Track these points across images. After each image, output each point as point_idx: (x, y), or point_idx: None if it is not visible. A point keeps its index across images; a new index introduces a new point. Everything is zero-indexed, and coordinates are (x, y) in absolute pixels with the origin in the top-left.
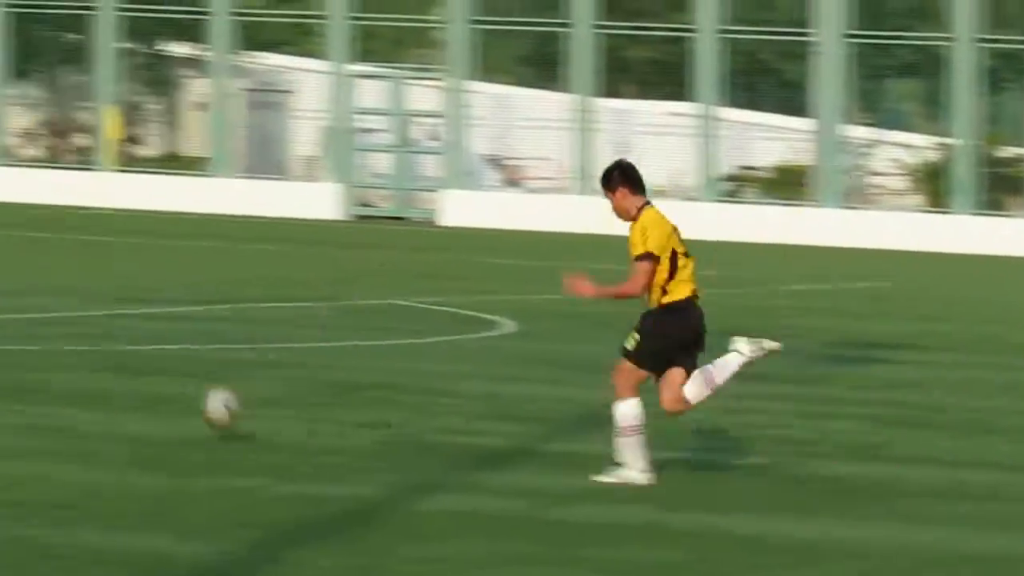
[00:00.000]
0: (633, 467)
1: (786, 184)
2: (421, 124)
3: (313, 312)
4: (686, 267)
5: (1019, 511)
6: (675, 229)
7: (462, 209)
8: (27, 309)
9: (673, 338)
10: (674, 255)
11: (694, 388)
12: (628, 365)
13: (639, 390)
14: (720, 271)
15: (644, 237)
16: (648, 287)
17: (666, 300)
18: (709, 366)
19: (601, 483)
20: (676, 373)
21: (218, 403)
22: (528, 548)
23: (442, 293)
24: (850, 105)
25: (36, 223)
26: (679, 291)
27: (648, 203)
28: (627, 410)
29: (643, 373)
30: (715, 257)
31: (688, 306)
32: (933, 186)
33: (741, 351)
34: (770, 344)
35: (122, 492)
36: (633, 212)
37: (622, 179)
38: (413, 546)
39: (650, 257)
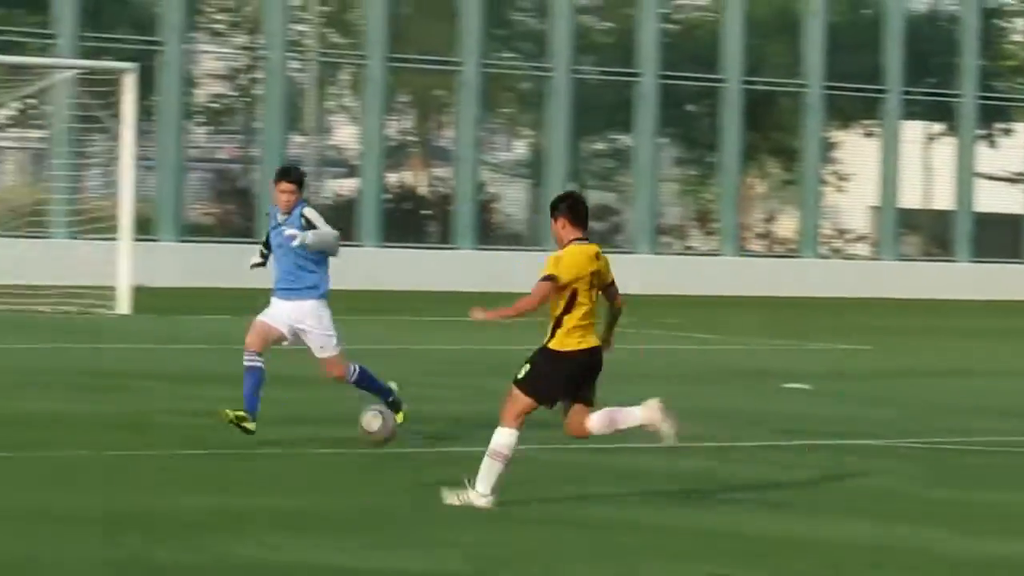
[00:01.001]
0: (480, 488)
1: None
2: None
3: None
4: (584, 312)
5: None
6: (597, 274)
7: None
8: None
9: (560, 379)
10: (575, 293)
11: (598, 424)
12: (517, 393)
13: (523, 422)
14: None
15: (556, 261)
16: (538, 306)
17: (554, 345)
18: (618, 410)
19: (448, 503)
20: (580, 407)
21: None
22: None
23: None
24: None
25: None
26: (569, 341)
27: (581, 240)
28: (503, 439)
29: (531, 403)
30: None
31: (576, 355)
32: None
33: (644, 416)
34: (668, 433)
35: None
36: (564, 243)
37: (567, 211)
38: None
39: (551, 279)
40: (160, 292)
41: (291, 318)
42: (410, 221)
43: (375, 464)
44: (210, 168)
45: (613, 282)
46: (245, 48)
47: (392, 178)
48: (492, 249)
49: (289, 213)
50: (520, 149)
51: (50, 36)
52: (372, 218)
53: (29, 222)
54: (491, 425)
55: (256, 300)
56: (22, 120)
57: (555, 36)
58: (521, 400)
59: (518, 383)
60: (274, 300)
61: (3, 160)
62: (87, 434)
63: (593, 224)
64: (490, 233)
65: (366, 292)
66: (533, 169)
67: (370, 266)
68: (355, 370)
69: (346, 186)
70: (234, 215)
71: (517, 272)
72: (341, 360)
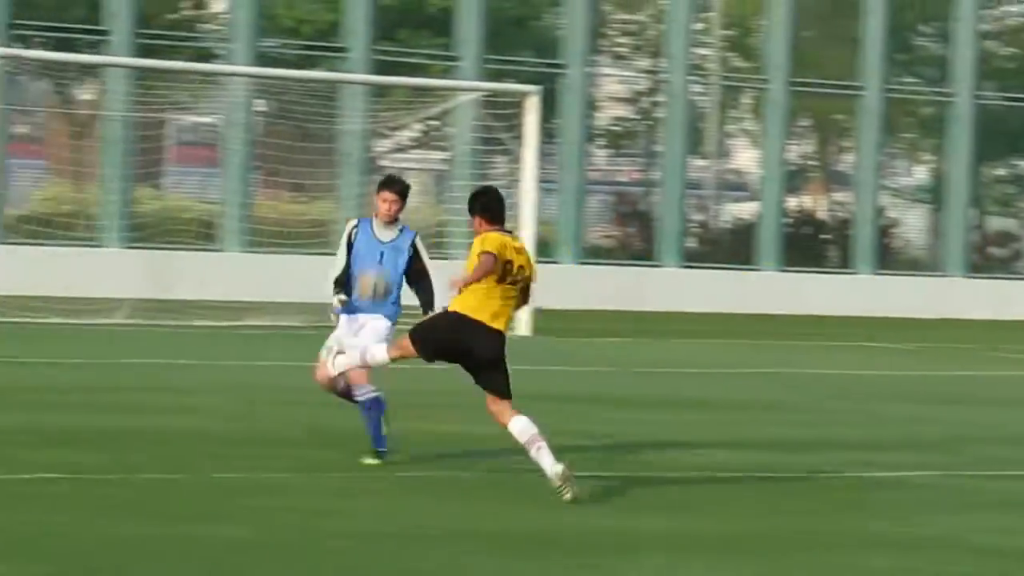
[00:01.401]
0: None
1: None
2: None
3: None
4: (500, 293)
5: None
6: (512, 261)
7: None
8: None
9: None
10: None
11: (517, 428)
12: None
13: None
14: None
15: (482, 241)
16: (480, 278)
17: (453, 306)
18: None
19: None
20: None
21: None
22: None
23: None
24: None
25: None
26: (466, 305)
27: (500, 230)
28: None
29: (411, 349)
30: None
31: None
32: None
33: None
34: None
35: None
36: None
37: (481, 210)
38: None
39: (489, 254)
40: (559, 314)
41: (360, 330)
42: (809, 245)
43: (803, 489)
44: (610, 191)
45: (530, 283)
46: (647, 71)
47: (792, 202)
48: (891, 274)
49: (392, 222)
50: (920, 174)
51: (453, 58)
52: (771, 242)
53: (434, 244)
54: (887, 447)
55: (656, 324)
56: (424, 141)
57: (958, 61)
58: (406, 344)
59: (411, 330)
60: (356, 317)
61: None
62: (491, 454)
63: (993, 250)
64: (889, 258)
65: (764, 316)
66: (934, 194)
67: (769, 290)
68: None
69: (746, 210)
70: (634, 238)
71: (916, 297)
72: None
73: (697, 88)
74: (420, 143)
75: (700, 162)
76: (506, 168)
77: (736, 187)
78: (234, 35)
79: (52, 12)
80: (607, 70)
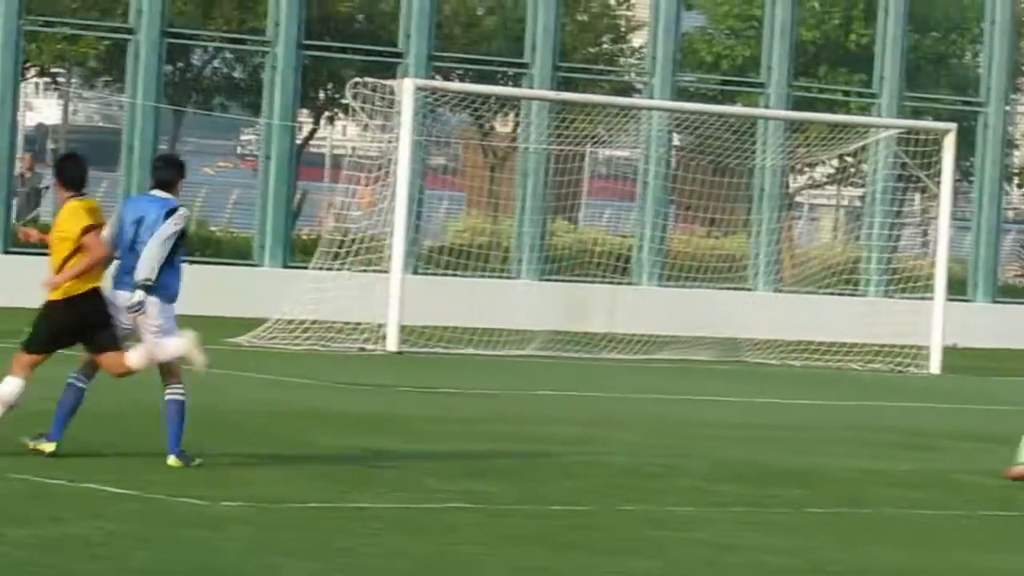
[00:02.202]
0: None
1: None
2: None
3: None
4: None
5: None
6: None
7: None
8: None
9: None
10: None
11: (137, 359)
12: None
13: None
14: None
15: (80, 214)
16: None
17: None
18: (155, 344)
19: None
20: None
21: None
22: None
23: None
24: None
25: None
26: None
27: (77, 196)
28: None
29: (38, 358)
30: None
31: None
32: None
33: (180, 347)
34: (201, 363)
35: None
36: (62, 203)
37: (56, 175)
38: None
39: (97, 228)
40: (972, 352)
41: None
42: None
43: None
44: None
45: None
46: None
47: None
48: None
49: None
50: None
51: (872, 95)
52: None
53: (844, 280)
54: None
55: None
56: (840, 178)
57: None
58: (25, 358)
59: (24, 346)
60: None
61: (820, 217)
62: (893, 491)
63: None
64: None
65: None
66: None
67: None
68: None
69: None
70: None
71: None
72: None
73: None
74: (835, 180)
75: None
76: (922, 205)
77: None
78: (652, 69)
79: (473, 45)
80: None
